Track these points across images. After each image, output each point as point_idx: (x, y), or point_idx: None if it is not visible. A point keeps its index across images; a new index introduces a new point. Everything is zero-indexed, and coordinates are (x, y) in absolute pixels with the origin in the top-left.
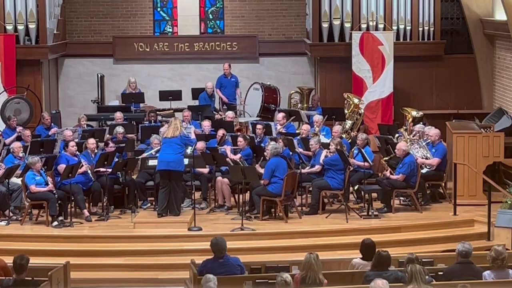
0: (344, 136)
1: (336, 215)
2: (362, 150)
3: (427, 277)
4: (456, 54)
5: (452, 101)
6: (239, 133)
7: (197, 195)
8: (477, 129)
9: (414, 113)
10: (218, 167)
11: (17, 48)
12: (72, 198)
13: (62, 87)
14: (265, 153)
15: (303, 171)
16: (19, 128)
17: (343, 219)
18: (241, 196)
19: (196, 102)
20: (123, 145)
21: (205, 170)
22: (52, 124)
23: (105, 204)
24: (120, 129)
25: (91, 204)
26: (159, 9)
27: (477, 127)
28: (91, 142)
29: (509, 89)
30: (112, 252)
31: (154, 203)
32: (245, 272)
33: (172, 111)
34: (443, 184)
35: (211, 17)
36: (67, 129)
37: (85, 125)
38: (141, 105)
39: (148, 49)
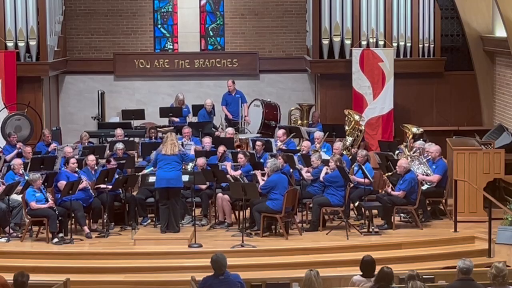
0: (344, 152)
1: (337, 231)
2: (363, 167)
3: None
4: (456, 71)
5: (452, 118)
6: (239, 150)
7: (198, 211)
8: (478, 146)
9: (414, 129)
10: (218, 184)
11: (17, 65)
12: (73, 215)
13: (63, 104)
14: (265, 169)
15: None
16: (19, 145)
17: (343, 236)
18: (241, 212)
19: (196, 119)
20: (124, 161)
21: (204, 186)
22: (52, 141)
23: (105, 220)
24: (119, 146)
25: (91, 220)
26: (159, 26)
27: (478, 143)
28: (91, 158)
29: (510, 105)
30: (112, 269)
31: (154, 219)
32: None
33: (172, 127)
34: (444, 200)
35: (211, 34)
36: (67, 145)
37: (87, 142)
38: (140, 122)
39: (148, 66)
